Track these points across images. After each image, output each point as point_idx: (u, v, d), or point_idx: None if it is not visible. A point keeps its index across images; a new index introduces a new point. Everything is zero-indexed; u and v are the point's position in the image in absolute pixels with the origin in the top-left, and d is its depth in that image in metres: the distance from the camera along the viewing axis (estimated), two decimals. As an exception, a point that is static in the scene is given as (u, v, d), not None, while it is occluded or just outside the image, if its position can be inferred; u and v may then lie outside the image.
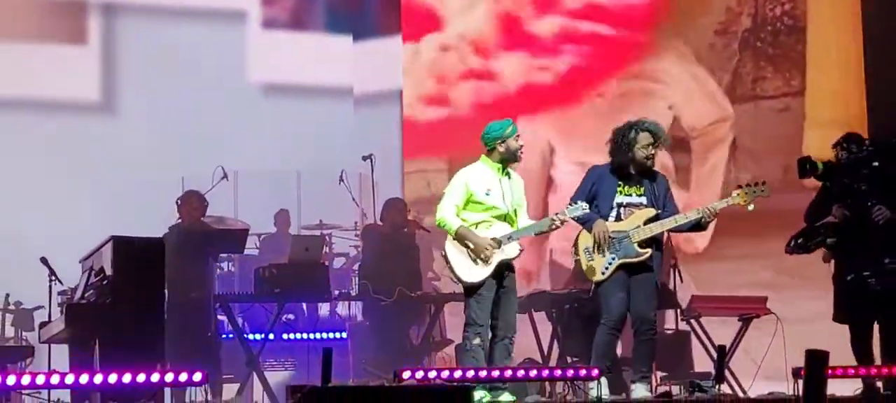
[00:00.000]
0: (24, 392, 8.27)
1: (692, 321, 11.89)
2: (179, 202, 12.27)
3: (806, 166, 9.72)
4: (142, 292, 8.97)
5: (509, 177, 9.40)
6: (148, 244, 9.25)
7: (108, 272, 9.01)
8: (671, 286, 11.57)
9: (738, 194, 9.52)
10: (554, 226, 9.41)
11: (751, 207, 9.51)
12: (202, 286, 11.75)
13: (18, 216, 14.69)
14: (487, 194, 9.26)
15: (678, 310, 11.78)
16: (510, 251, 9.28)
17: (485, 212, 9.28)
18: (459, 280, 9.29)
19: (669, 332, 12.01)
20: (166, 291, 9.69)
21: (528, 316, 12.10)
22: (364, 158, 13.82)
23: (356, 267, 13.83)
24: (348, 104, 16.62)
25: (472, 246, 9.17)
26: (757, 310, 11.90)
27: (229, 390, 11.92)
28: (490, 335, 9.28)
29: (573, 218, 9.45)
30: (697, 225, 9.57)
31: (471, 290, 9.26)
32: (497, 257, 9.21)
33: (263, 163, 15.08)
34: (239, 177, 14.36)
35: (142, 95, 15.82)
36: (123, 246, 9.02)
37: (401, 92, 16.38)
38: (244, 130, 15.47)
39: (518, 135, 9.39)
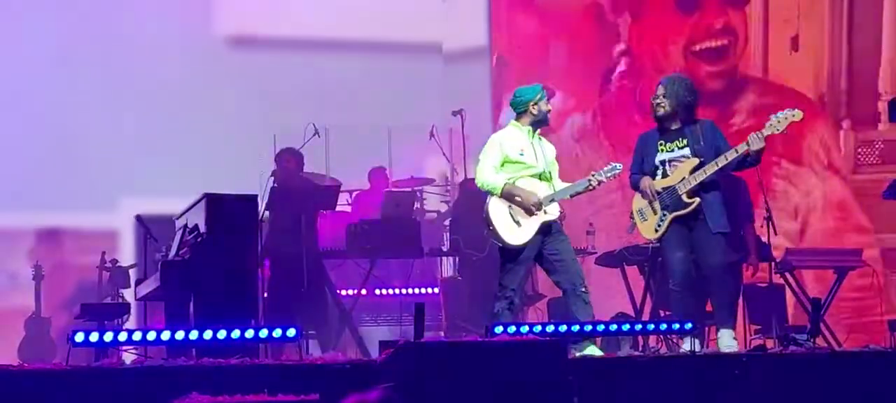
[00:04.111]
0: (121, 348, 8.36)
1: (786, 274, 11.78)
2: (276, 159, 12.35)
3: None
4: (235, 249, 9.03)
5: (540, 141, 9.53)
6: (241, 201, 9.31)
7: (202, 229, 9.07)
8: (765, 239, 11.45)
9: (771, 124, 9.45)
10: (590, 187, 9.52)
11: (785, 131, 9.52)
12: (298, 242, 11.82)
13: (113, 169, 14.85)
14: (521, 154, 9.38)
15: (772, 263, 11.66)
16: (552, 212, 9.38)
17: (521, 171, 9.37)
18: (502, 242, 9.33)
19: (763, 285, 11.90)
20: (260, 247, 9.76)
21: (620, 271, 12.06)
22: (454, 114, 13.83)
23: (447, 222, 13.84)
24: (438, 61, 16.56)
25: (519, 199, 9.25)
26: (852, 263, 11.76)
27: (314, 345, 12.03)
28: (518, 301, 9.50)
29: (632, 186, 9.71)
30: (744, 162, 9.52)
31: (511, 255, 9.33)
32: (540, 218, 9.29)
33: (354, 119, 15.10)
34: (330, 134, 14.39)
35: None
36: (217, 204, 9.08)
37: (489, 47, 16.33)
38: (334, 85, 15.47)
39: (547, 100, 9.52)
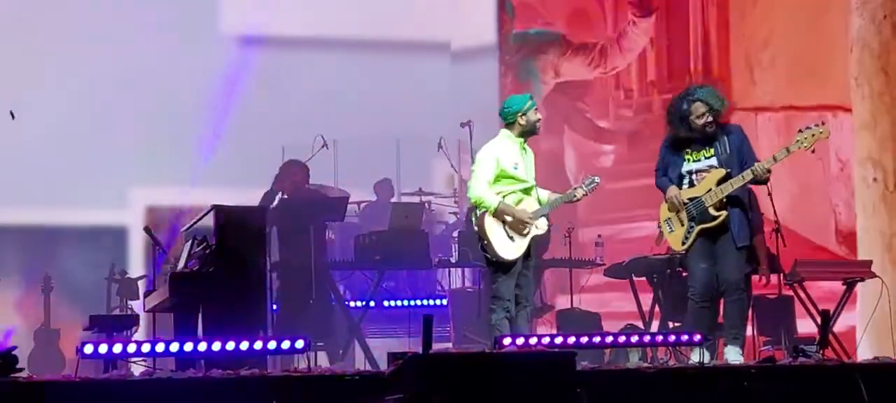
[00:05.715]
0: (129, 360, 8.36)
1: (795, 285, 11.76)
2: (281, 171, 12.36)
3: None
4: (244, 260, 9.03)
5: (526, 152, 9.53)
6: (250, 212, 9.32)
7: (211, 241, 9.08)
8: (774, 250, 11.43)
9: (798, 140, 9.39)
10: (574, 199, 9.59)
11: (812, 150, 9.41)
12: (306, 253, 11.82)
13: (121, 181, 14.87)
14: (515, 168, 9.38)
15: (781, 274, 11.64)
16: (541, 226, 9.43)
17: (514, 185, 9.39)
18: (496, 256, 9.31)
19: (772, 297, 11.88)
20: (269, 258, 9.76)
21: (628, 282, 12.04)
22: (462, 125, 13.81)
23: (456, 233, 13.83)
24: (446, 60, 16.54)
25: (511, 220, 9.27)
26: (861, 274, 11.73)
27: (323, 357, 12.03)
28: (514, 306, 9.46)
29: (661, 187, 9.59)
30: (757, 181, 9.46)
31: (504, 267, 9.33)
32: (532, 233, 9.35)
33: (362, 130, 15.09)
34: (338, 146, 14.39)
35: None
36: (226, 215, 9.09)
37: (498, 46, 16.31)
38: (343, 95, 15.46)
39: (537, 108, 9.51)
